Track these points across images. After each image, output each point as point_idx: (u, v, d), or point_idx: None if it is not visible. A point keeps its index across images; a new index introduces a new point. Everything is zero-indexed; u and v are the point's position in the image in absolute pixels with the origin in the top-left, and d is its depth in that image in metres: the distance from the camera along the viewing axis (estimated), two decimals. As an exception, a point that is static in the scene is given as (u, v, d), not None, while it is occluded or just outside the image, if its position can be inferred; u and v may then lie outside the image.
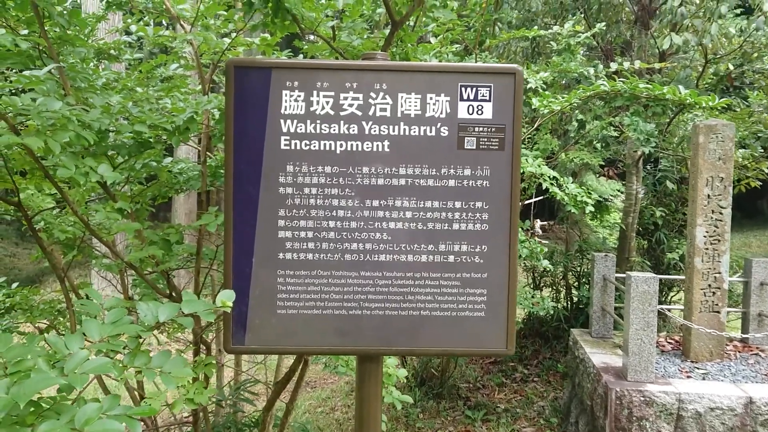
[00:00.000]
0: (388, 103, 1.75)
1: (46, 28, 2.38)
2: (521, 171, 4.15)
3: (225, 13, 2.30)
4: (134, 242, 2.56)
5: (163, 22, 3.22)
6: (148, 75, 3.38)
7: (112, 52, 3.67)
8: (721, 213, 4.33)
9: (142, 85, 3.18)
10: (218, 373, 3.81)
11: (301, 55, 3.19)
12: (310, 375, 6.89)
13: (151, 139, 2.37)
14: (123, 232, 2.40)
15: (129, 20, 3.29)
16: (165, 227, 2.23)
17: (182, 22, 2.45)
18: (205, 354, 2.76)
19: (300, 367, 3.01)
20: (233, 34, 2.68)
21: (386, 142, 1.76)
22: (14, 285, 3.33)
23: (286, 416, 3.14)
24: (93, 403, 1.17)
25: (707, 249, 4.35)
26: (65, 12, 2.12)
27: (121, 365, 1.34)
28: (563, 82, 6.31)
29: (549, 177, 4.19)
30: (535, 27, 4.45)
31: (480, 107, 1.76)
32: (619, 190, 9.40)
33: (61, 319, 3.27)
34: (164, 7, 2.48)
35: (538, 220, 14.96)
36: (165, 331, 3.41)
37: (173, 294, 2.39)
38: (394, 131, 1.75)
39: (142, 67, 3.28)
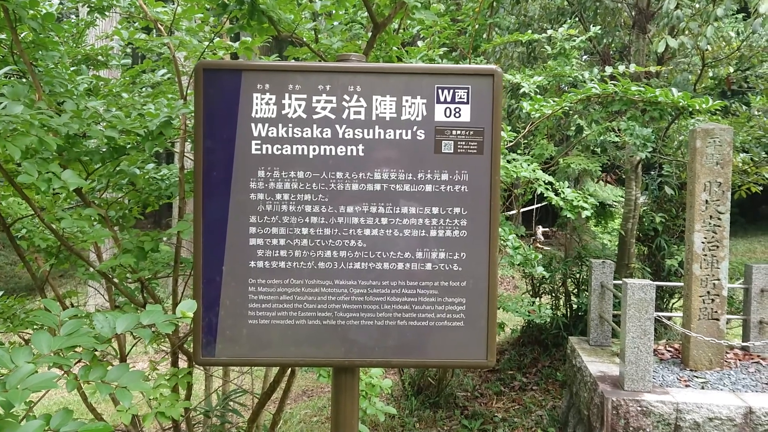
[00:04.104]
0: (362, 106, 1.70)
1: (24, 33, 2.35)
2: (516, 176, 4.10)
3: (202, 15, 2.25)
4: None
5: (151, 28, 3.18)
6: (134, 80, 3.34)
7: (99, 57, 3.64)
8: (719, 218, 4.25)
9: (128, 90, 3.14)
10: (206, 382, 3.74)
11: (293, 60, 3.14)
12: (306, 383, 6.82)
13: (128, 145, 2.32)
14: (106, 239, 2.36)
15: (119, 26, 3.26)
16: (141, 234, 2.17)
17: (159, 26, 2.41)
18: (188, 365, 2.70)
19: (287, 378, 2.94)
20: (216, 39, 2.64)
21: (361, 146, 1.70)
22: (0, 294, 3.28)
23: (273, 427, 3.07)
24: (37, 421, 1.11)
25: (706, 255, 4.27)
26: (39, 16, 2.08)
27: (74, 379, 1.28)
28: (562, 86, 6.27)
29: (544, 182, 4.12)
30: (529, 31, 4.39)
31: (457, 110, 1.70)
32: (621, 196, 9.33)
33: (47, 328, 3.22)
34: (144, 11, 2.44)
35: (540, 226, 14.90)
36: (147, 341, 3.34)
37: (150, 303, 2.33)
38: (368, 135, 1.70)
39: (128, 72, 3.24)
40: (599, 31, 5.46)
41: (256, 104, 1.69)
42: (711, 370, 4.23)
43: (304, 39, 2.41)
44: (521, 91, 4.34)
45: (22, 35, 2.26)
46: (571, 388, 4.87)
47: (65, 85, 2.29)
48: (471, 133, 1.71)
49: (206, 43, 2.35)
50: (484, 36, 5.62)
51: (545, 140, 5.60)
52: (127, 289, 2.51)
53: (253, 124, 1.69)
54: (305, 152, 1.70)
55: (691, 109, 3.46)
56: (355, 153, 1.70)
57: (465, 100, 1.70)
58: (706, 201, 4.24)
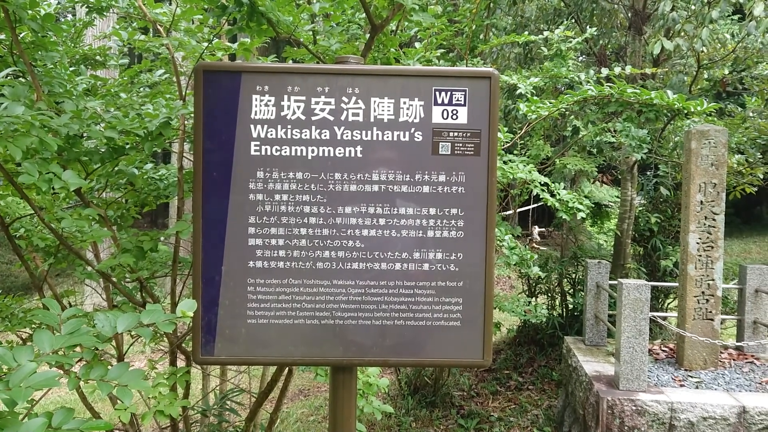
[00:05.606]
0: (360, 108, 1.71)
1: (23, 33, 2.36)
2: (512, 177, 4.12)
3: (201, 16, 2.26)
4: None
5: (149, 28, 3.19)
6: (132, 80, 3.35)
7: (98, 57, 3.65)
8: (714, 219, 4.28)
9: (126, 90, 3.15)
10: (203, 381, 3.75)
11: (291, 61, 3.15)
12: (303, 383, 6.83)
13: (127, 145, 2.33)
14: (104, 239, 2.37)
15: (117, 26, 3.26)
16: (140, 234, 2.18)
17: (158, 26, 2.42)
18: (186, 364, 2.71)
19: (284, 377, 2.96)
20: (215, 40, 2.65)
21: (359, 148, 1.72)
22: (-3, 292, 3.28)
23: (270, 426, 3.08)
24: (39, 418, 1.12)
25: (700, 256, 4.30)
26: (38, 17, 2.09)
27: (75, 378, 1.30)
28: (559, 87, 6.29)
29: (540, 183, 4.15)
30: (526, 32, 4.42)
31: (455, 112, 1.72)
32: (617, 197, 9.37)
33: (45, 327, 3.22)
34: (143, 12, 2.45)
35: (536, 226, 14.94)
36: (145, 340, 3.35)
37: (149, 302, 2.34)
38: (366, 136, 1.71)
39: (126, 72, 3.25)
40: (595, 33, 5.50)
41: (256, 105, 1.70)
42: (705, 370, 4.27)
43: (302, 40, 2.43)
44: (518, 92, 4.37)
45: (21, 35, 2.27)
46: (567, 387, 4.90)
47: (64, 85, 2.29)
48: (468, 134, 1.73)
49: (205, 44, 2.37)
50: (481, 37, 5.64)
51: (541, 141, 5.62)
52: (126, 289, 2.52)
53: (252, 126, 1.71)
54: (304, 153, 1.71)
55: (686, 111, 3.48)
56: (353, 154, 1.71)
57: (462, 103, 1.72)
58: (701, 202, 4.27)
